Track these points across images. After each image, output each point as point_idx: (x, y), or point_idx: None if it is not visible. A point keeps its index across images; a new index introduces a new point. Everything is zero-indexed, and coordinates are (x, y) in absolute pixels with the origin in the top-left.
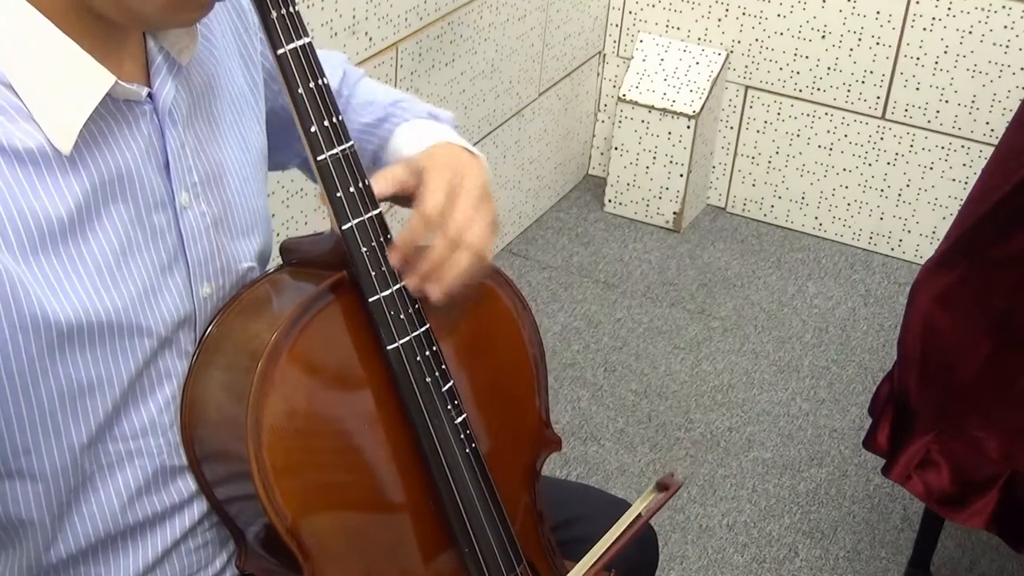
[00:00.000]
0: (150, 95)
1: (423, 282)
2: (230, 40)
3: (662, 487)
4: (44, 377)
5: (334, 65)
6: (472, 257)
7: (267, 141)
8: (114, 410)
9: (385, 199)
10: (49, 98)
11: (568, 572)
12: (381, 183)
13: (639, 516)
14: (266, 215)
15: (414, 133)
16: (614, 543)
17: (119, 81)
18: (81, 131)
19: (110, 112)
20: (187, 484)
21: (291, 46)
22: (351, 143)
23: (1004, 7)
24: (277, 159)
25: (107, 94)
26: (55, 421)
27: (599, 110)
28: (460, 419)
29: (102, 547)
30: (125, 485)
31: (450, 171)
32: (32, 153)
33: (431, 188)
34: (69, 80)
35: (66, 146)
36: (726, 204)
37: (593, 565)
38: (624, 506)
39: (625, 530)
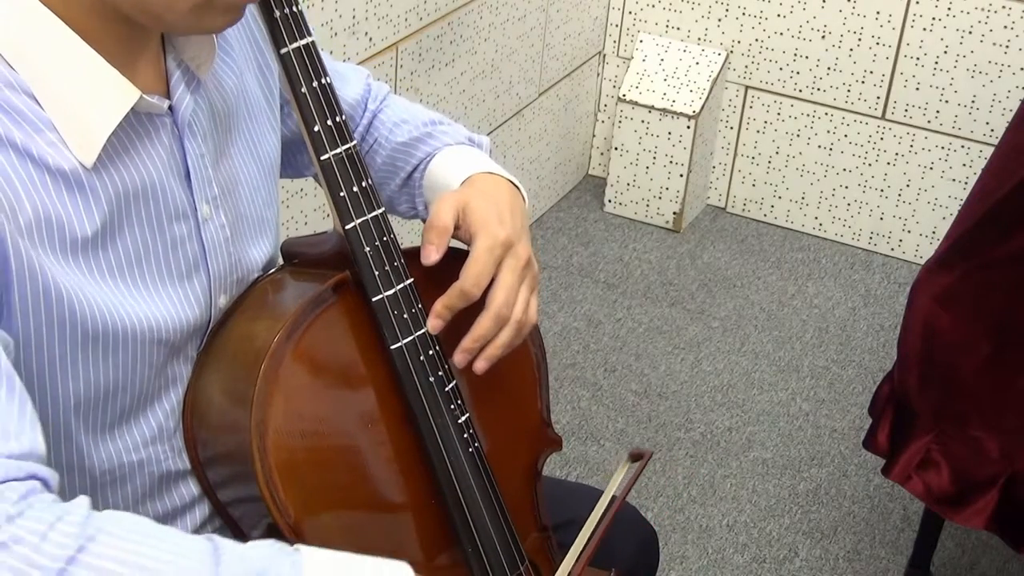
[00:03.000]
0: (170, 107)
1: (468, 357)
2: (247, 49)
3: (635, 457)
4: (64, 376)
5: (357, 79)
6: (515, 330)
7: (281, 154)
8: (123, 416)
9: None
10: (73, 110)
11: (562, 561)
12: (436, 243)
13: (615, 497)
14: (275, 225)
15: (455, 161)
16: (599, 522)
17: (143, 95)
18: (104, 144)
19: (131, 125)
20: (189, 488)
21: (294, 45)
22: (354, 142)
23: (1004, 7)
24: (295, 172)
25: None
26: (67, 424)
27: (599, 110)
28: (463, 418)
29: None
30: (132, 490)
31: (494, 216)
32: (63, 170)
33: (473, 257)
34: (94, 94)
35: (89, 159)
36: (726, 204)
37: (585, 547)
38: (624, 505)
39: (607, 510)
